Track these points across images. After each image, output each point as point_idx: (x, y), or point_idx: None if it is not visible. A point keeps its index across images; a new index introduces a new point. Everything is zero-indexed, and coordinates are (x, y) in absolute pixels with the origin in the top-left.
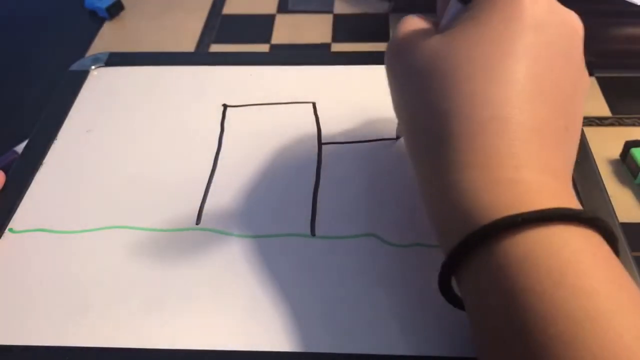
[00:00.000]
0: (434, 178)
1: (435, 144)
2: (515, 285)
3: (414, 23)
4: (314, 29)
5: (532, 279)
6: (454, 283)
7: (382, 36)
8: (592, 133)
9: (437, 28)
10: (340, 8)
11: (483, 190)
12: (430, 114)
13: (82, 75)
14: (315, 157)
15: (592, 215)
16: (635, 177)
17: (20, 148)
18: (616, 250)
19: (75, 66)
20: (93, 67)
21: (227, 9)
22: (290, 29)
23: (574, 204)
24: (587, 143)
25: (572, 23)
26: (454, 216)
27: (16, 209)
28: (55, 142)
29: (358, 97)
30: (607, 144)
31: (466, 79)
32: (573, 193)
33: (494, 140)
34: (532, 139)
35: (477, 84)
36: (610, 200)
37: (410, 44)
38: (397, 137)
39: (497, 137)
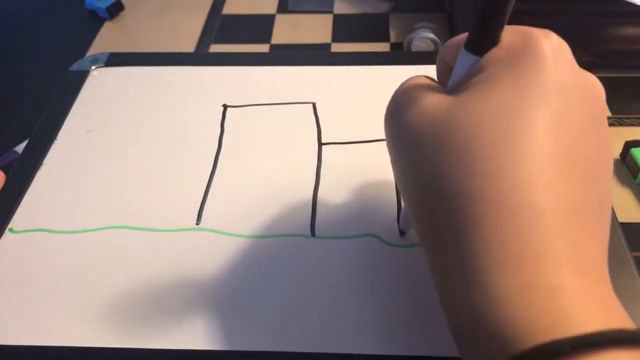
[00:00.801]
0: (454, 275)
1: (455, 233)
2: None
3: (419, 79)
4: (314, 29)
5: None
6: None
7: (382, 36)
8: None
9: (444, 88)
10: (340, 8)
11: (518, 299)
12: (448, 194)
13: (82, 75)
14: (315, 157)
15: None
16: (635, 177)
17: (20, 148)
18: None
19: (75, 66)
20: (93, 67)
21: (227, 9)
22: (290, 29)
23: (620, 312)
24: None
25: (595, 86)
26: (483, 330)
27: (16, 209)
28: (55, 142)
29: (358, 97)
30: None
31: (490, 154)
32: (613, 292)
33: (527, 233)
34: (569, 229)
35: (501, 161)
36: None
37: (417, 103)
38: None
39: (530, 228)
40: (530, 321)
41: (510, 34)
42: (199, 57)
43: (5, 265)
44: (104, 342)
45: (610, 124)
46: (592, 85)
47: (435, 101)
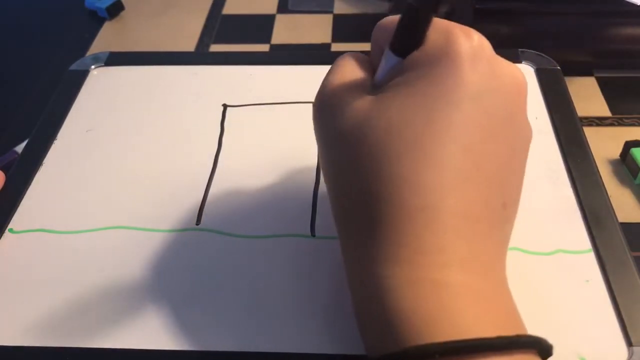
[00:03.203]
0: (358, 265)
1: (361, 228)
2: None
3: (348, 71)
4: (314, 29)
5: None
6: None
7: None
8: (592, 133)
9: (372, 78)
10: (340, 8)
11: (405, 291)
12: (358, 192)
13: (82, 75)
14: (316, 157)
15: (520, 338)
16: (635, 177)
17: (20, 148)
18: None
19: (75, 66)
20: (93, 66)
21: (227, 9)
22: (290, 29)
23: (505, 308)
24: (587, 143)
25: (515, 81)
26: (373, 314)
27: (16, 209)
28: (55, 142)
29: None
30: (607, 144)
31: (397, 158)
32: (505, 289)
33: (422, 232)
34: (464, 229)
35: (408, 166)
36: (610, 200)
37: (341, 101)
38: None
39: (426, 229)
40: (413, 312)
41: (434, 32)
42: (199, 57)
43: (5, 265)
44: (104, 342)
45: (610, 124)
46: (512, 82)
47: (355, 103)
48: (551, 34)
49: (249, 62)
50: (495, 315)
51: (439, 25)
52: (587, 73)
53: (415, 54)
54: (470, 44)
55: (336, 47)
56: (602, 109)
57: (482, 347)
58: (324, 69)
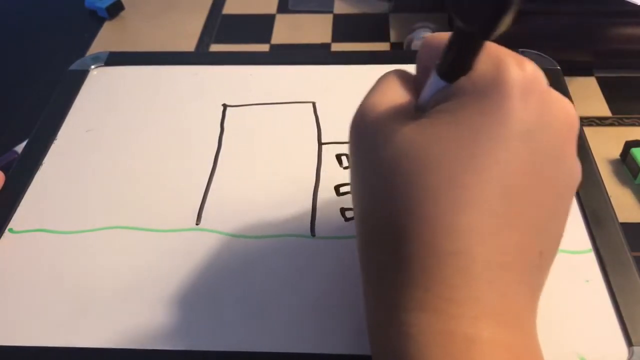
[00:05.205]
0: (380, 308)
1: (387, 265)
2: None
3: (391, 92)
4: (314, 29)
5: None
6: None
7: (382, 36)
8: (592, 133)
9: (417, 98)
10: (340, 8)
11: (432, 344)
12: (388, 226)
13: (82, 75)
14: (315, 157)
15: None
16: (635, 177)
17: (20, 148)
18: None
19: (75, 66)
20: (93, 66)
21: (227, 9)
22: (290, 29)
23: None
24: (587, 143)
25: (567, 119)
26: None
27: (16, 209)
28: (55, 142)
29: (358, 97)
30: (607, 144)
31: (432, 195)
32: (534, 343)
33: (454, 281)
34: (498, 280)
35: (443, 205)
36: (610, 200)
37: (382, 127)
38: None
39: (458, 277)
40: None
41: (485, 58)
42: (199, 57)
43: (5, 265)
44: (104, 342)
45: (610, 124)
46: (564, 120)
47: (395, 132)
48: (551, 34)
49: (249, 62)
50: None
51: (491, 51)
52: (587, 73)
53: (463, 80)
54: (522, 74)
55: (336, 47)
56: (602, 109)
57: None
58: (324, 68)
